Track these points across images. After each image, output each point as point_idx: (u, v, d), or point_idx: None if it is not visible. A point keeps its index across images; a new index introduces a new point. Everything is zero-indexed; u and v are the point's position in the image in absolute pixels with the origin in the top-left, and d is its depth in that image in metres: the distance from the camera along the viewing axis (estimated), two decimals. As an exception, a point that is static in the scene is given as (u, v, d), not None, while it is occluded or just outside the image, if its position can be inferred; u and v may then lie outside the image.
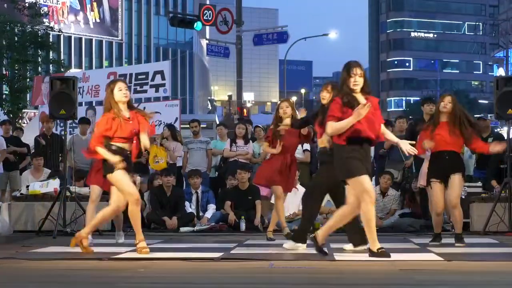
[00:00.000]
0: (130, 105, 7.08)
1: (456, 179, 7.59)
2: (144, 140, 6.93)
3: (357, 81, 6.45)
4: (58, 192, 9.46)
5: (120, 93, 6.94)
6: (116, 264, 6.42)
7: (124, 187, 6.89)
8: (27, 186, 10.17)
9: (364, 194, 6.31)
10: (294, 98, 54.94)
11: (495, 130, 15.80)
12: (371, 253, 6.44)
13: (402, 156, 10.94)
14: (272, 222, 8.64)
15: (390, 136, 6.80)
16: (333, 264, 6.30)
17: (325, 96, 7.36)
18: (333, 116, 6.38)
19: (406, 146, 6.58)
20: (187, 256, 6.73)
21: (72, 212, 9.25)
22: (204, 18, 19.18)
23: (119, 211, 7.29)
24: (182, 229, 10.02)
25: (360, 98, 6.43)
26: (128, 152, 6.96)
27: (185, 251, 7.04)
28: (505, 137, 10.05)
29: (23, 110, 27.44)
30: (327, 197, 10.34)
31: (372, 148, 11.50)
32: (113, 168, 6.84)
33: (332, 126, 6.36)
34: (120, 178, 6.87)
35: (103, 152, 6.86)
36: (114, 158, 6.82)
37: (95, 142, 6.90)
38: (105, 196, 7.91)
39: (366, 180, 6.36)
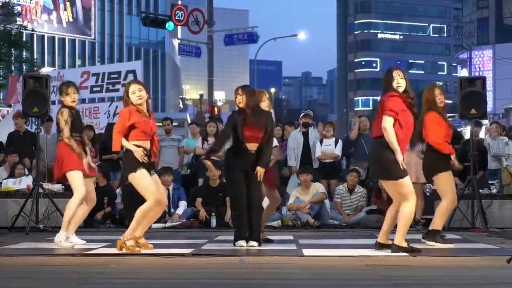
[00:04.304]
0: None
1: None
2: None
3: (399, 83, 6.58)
4: (31, 189, 9.48)
5: (134, 96, 6.79)
6: (88, 260, 6.47)
7: (147, 187, 6.79)
8: (0, 183, 10.17)
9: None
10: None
11: (458, 130, 16.02)
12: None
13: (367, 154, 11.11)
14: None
15: None
16: (302, 259, 6.40)
17: (241, 100, 7.36)
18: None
19: None
20: (159, 252, 6.80)
21: (45, 208, 9.29)
22: (176, 18, 19.22)
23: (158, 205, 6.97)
24: (154, 225, 9.92)
25: None
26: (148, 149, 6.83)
27: (157, 247, 7.08)
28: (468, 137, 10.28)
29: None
30: (297, 193, 10.51)
31: (340, 145, 11.68)
32: (136, 168, 6.72)
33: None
34: (143, 177, 6.76)
35: (126, 144, 6.68)
36: (138, 151, 6.69)
37: (118, 134, 6.68)
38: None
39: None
